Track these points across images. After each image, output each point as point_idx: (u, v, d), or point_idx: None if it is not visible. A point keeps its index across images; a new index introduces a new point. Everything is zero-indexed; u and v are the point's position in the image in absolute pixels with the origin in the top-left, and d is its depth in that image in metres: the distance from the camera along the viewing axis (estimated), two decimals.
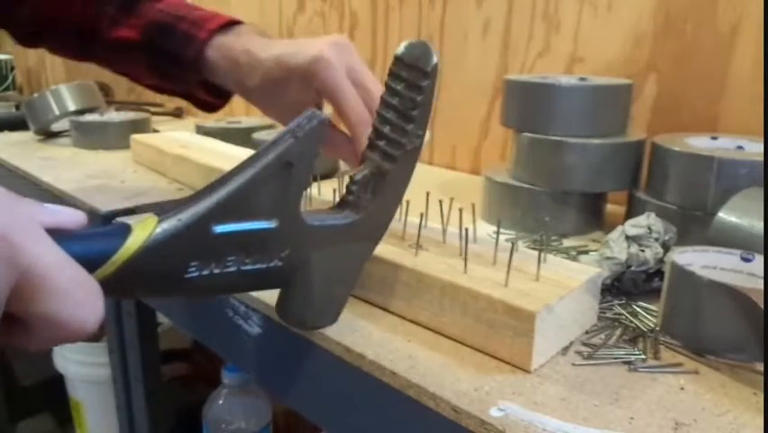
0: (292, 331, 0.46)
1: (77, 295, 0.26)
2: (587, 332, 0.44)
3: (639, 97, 0.76)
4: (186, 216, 0.31)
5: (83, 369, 1.14)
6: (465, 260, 0.43)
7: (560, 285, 0.41)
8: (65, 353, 1.15)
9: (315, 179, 0.61)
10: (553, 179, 0.64)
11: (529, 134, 0.65)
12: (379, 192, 0.40)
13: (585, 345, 0.42)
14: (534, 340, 0.38)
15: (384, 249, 0.47)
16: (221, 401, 1.00)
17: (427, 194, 0.52)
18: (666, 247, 0.50)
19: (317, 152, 0.35)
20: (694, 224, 0.55)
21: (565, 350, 0.42)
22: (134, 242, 0.29)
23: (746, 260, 0.44)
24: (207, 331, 0.61)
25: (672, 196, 0.58)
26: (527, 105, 0.66)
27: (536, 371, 0.39)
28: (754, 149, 0.60)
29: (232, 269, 0.33)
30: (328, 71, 0.52)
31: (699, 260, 0.44)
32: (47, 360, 1.19)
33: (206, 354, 0.78)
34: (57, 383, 1.24)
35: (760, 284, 0.42)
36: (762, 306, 0.37)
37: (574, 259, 0.54)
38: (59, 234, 0.26)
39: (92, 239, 0.29)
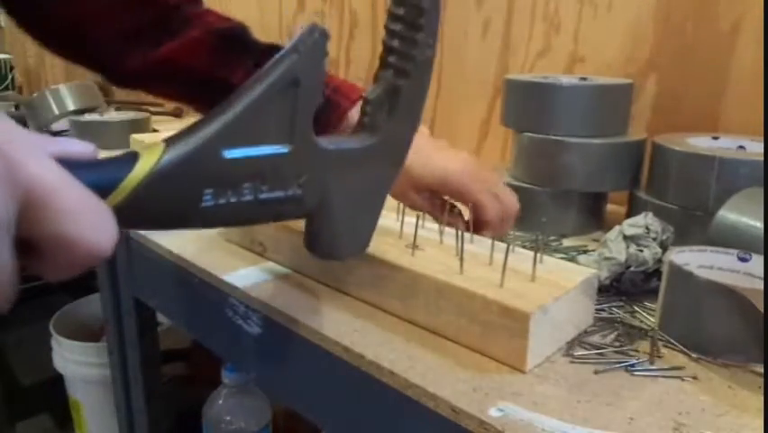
0: (292, 331, 0.46)
1: (86, 215, 0.25)
2: (586, 332, 0.44)
3: (640, 97, 0.75)
4: (194, 140, 0.30)
5: (82, 369, 1.14)
6: (461, 260, 0.43)
7: (555, 286, 0.41)
8: (65, 353, 1.15)
9: None
10: (554, 179, 0.64)
11: (529, 134, 0.65)
12: (394, 111, 0.38)
13: (584, 345, 0.42)
14: (529, 341, 0.38)
15: (381, 249, 0.47)
16: (221, 401, 1.00)
17: None
18: (664, 247, 0.50)
19: (323, 68, 0.33)
20: (695, 224, 0.55)
21: (564, 350, 0.42)
22: (142, 168, 0.28)
23: (743, 260, 0.44)
24: (207, 331, 0.60)
25: (672, 196, 0.58)
26: (528, 105, 0.66)
27: (536, 371, 0.39)
28: (756, 149, 0.59)
29: (249, 197, 0.32)
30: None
31: (696, 260, 0.44)
32: (46, 360, 1.19)
33: (206, 354, 0.78)
34: (56, 383, 1.24)
35: (757, 284, 0.42)
36: (759, 306, 0.37)
37: (573, 259, 0.54)
38: (65, 161, 0.26)
39: (99, 167, 0.28)
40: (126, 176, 0.28)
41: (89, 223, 0.25)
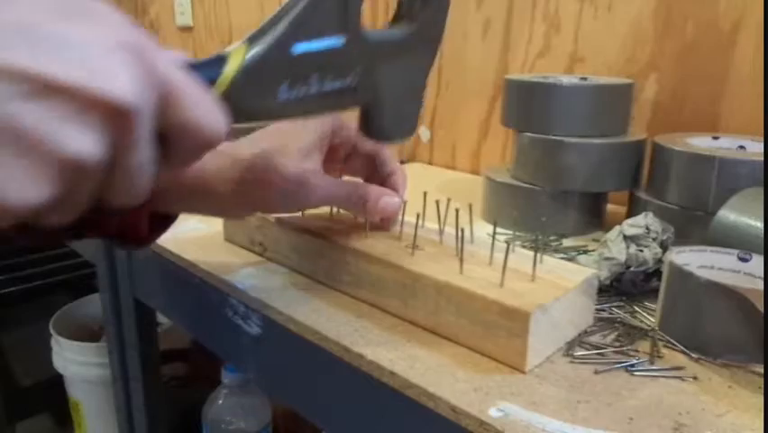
0: (292, 331, 0.46)
1: (206, 105, 0.29)
2: (585, 332, 0.44)
3: (640, 97, 0.76)
4: (268, 38, 0.34)
5: (82, 369, 1.14)
6: (461, 260, 0.43)
7: (555, 286, 0.41)
8: (65, 353, 1.15)
9: None
10: (554, 178, 0.64)
11: (530, 134, 0.65)
12: (428, 2, 0.41)
13: (584, 345, 0.42)
14: (529, 341, 0.38)
15: (380, 249, 0.47)
16: (221, 401, 1.00)
17: (425, 194, 0.52)
18: (664, 247, 0.50)
19: None
20: (695, 224, 0.55)
21: (564, 350, 0.42)
22: (231, 67, 0.32)
23: (744, 260, 0.44)
24: (207, 331, 0.60)
25: (672, 196, 0.58)
26: (528, 105, 0.66)
27: (536, 371, 0.39)
28: (756, 149, 0.59)
29: (314, 89, 0.36)
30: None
31: (696, 260, 0.44)
32: (46, 360, 1.19)
33: (206, 354, 0.78)
34: (56, 383, 1.24)
35: (757, 284, 0.42)
36: (759, 306, 0.37)
37: (573, 259, 0.54)
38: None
39: (199, 67, 0.31)
40: (221, 74, 0.32)
41: (209, 111, 0.29)
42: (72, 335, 1.16)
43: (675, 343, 0.42)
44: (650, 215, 0.52)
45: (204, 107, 0.28)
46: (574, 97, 0.63)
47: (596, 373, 0.39)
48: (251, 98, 0.33)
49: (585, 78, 0.67)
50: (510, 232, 0.59)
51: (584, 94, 0.64)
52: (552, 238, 0.63)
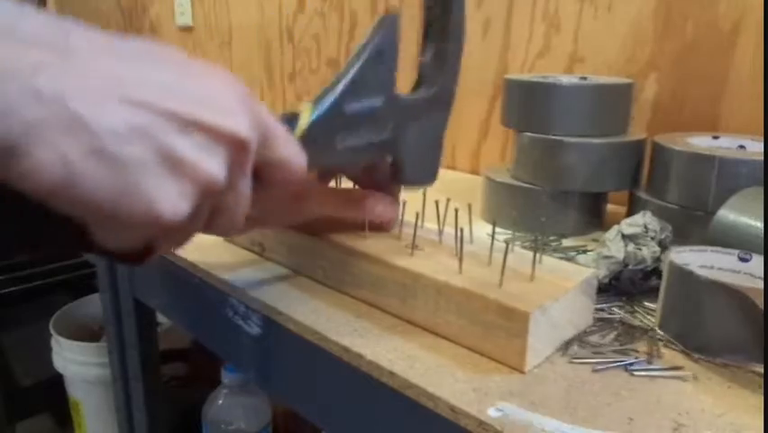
0: (292, 331, 0.46)
1: (294, 145, 0.36)
2: (585, 331, 0.44)
3: (640, 97, 0.76)
4: (328, 98, 0.42)
5: (82, 369, 1.14)
6: (460, 260, 0.43)
7: (555, 286, 0.41)
8: (65, 353, 1.15)
9: None
10: (554, 178, 0.64)
11: (529, 134, 0.65)
12: (443, 67, 0.49)
13: (583, 344, 0.42)
14: (528, 341, 0.38)
15: (380, 249, 0.47)
16: (221, 401, 1.00)
17: (424, 194, 0.52)
18: (663, 246, 0.50)
19: (398, 41, 0.45)
20: (695, 223, 0.55)
21: (563, 350, 0.42)
22: (303, 121, 0.40)
23: (744, 260, 0.44)
24: (207, 331, 0.60)
25: (673, 195, 0.58)
26: (528, 105, 0.66)
27: (535, 371, 0.39)
28: (756, 148, 0.59)
29: (362, 140, 0.44)
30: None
31: (697, 259, 0.44)
32: (46, 360, 1.19)
33: (206, 354, 0.78)
34: (56, 383, 1.24)
35: (757, 284, 0.42)
36: (761, 305, 0.37)
37: (571, 259, 0.54)
38: None
39: (282, 119, 0.38)
40: (297, 126, 0.40)
41: (296, 151, 0.36)
42: (72, 335, 1.16)
43: (675, 342, 0.42)
44: (648, 214, 0.52)
45: (292, 148, 0.36)
46: (574, 97, 0.63)
47: (595, 372, 0.39)
48: (317, 146, 0.40)
49: (585, 78, 0.67)
50: (510, 232, 0.59)
51: (584, 94, 0.64)
52: (551, 238, 0.63)
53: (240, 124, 0.30)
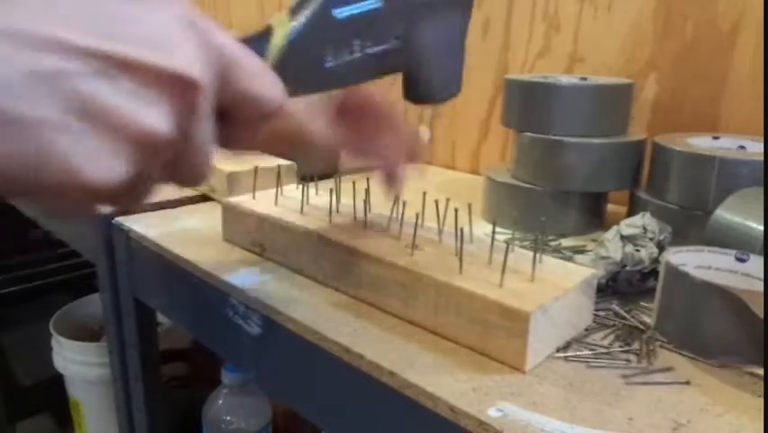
0: (292, 331, 0.46)
1: (265, 75, 0.30)
2: (586, 330, 0.44)
3: (640, 97, 0.75)
4: (311, 6, 0.34)
5: (82, 369, 1.14)
6: (461, 260, 0.43)
7: (555, 286, 0.41)
8: (65, 353, 1.15)
9: (312, 180, 0.61)
10: (554, 178, 0.64)
11: (530, 134, 0.65)
12: None
13: (583, 344, 0.42)
14: (529, 341, 0.38)
15: (380, 248, 0.47)
16: (221, 401, 1.00)
17: (424, 193, 0.52)
18: (661, 247, 0.50)
19: None
20: (695, 224, 0.55)
21: (563, 350, 0.42)
22: (278, 38, 0.33)
23: (741, 260, 0.44)
24: (207, 331, 0.60)
25: (673, 196, 0.58)
26: (528, 105, 0.66)
27: (535, 371, 0.39)
28: (756, 148, 0.59)
29: (358, 54, 0.37)
30: None
31: (693, 260, 0.44)
32: (47, 360, 1.19)
33: (206, 354, 0.78)
34: (56, 383, 1.24)
35: (754, 285, 0.42)
36: (754, 307, 0.37)
37: (570, 259, 0.54)
38: None
39: (249, 40, 0.32)
40: (269, 46, 0.33)
41: (268, 81, 0.30)
42: (72, 334, 1.16)
43: (672, 343, 0.42)
44: (647, 215, 0.52)
45: (262, 78, 0.29)
46: (574, 97, 0.63)
47: (595, 372, 0.39)
48: (299, 68, 0.34)
49: (585, 78, 0.67)
50: (510, 232, 0.59)
51: (584, 94, 0.64)
52: (551, 238, 0.63)
53: (184, 61, 0.25)
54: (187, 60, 0.25)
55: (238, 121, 0.30)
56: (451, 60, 0.43)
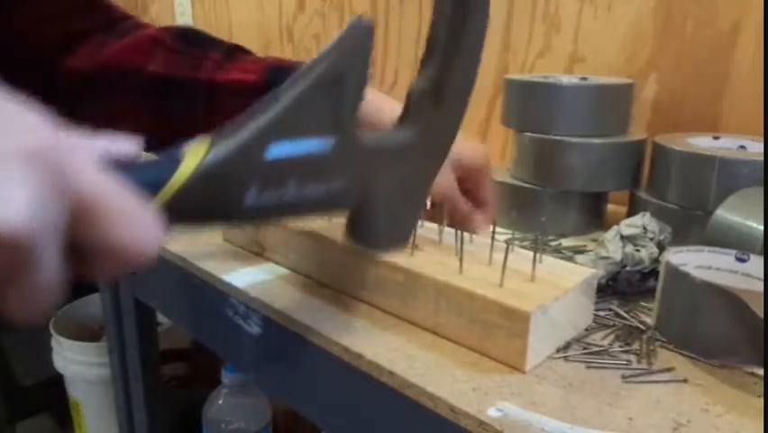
0: (292, 331, 0.46)
1: (133, 220, 0.25)
2: (586, 330, 0.44)
3: (640, 97, 0.75)
4: (237, 138, 0.30)
5: (82, 369, 1.14)
6: (461, 260, 0.43)
7: (555, 286, 0.41)
8: (65, 353, 1.15)
9: None
10: (554, 178, 0.64)
11: (529, 134, 0.65)
12: (440, 103, 0.37)
13: (583, 344, 0.42)
14: (529, 341, 0.38)
15: None
16: (221, 401, 1.00)
17: None
18: (661, 247, 0.50)
19: (367, 64, 0.33)
20: (695, 224, 0.55)
21: (563, 350, 0.42)
22: (187, 167, 0.28)
23: (741, 260, 0.44)
24: (207, 331, 0.60)
25: (673, 196, 0.58)
26: (528, 105, 0.66)
27: (535, 371, 0.39)
28: (757, 148, 0.59)
29: (292, 193, 0.32)
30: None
31: (694, 260, 0.44)
32: (47, 360, 1.19)
33: (206, 354, 0.78)
34: (56, 383, 1.24)
35: (754, 285, 0.42)
36: (754, 307, 0.37)
37: (570, 259, 0.54)
38: (110, 162, 0.25)
39: (144, 167, 0.28)
40: (171, 176, 0.28)
41: (136, 227, 0.25)
42: (72, 335, 1.16)
43: (673, 343, 0.42)
44: (647, 215, 0.52)
45: (131, 225, 0.24)
46: (574, 97, 0.63)
47: (595, 372, 0.39)
48: (208, 203, 0.29)
49: (585, 78, 0.67)
50: (510, 232, 0.59)
51: (584, 94, 0.64)
52: (551, 238, 0.63)
53: (9, 211, 0.20)
54: (14, 210, 0.20)
55: (95, 265, 0.25)
56: (404, 210, 0.39)
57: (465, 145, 0.52)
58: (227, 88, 0.53)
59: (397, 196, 0.38)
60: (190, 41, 0.55)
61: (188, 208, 0.28)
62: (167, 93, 0.53)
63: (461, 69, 0.37)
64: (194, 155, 0.28)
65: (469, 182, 0.54)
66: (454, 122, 0.39)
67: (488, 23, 0.38)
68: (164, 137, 0.52)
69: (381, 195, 0.37)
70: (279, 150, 0.31)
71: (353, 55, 0.33)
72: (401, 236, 0.41)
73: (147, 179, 0.27)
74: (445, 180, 0.51)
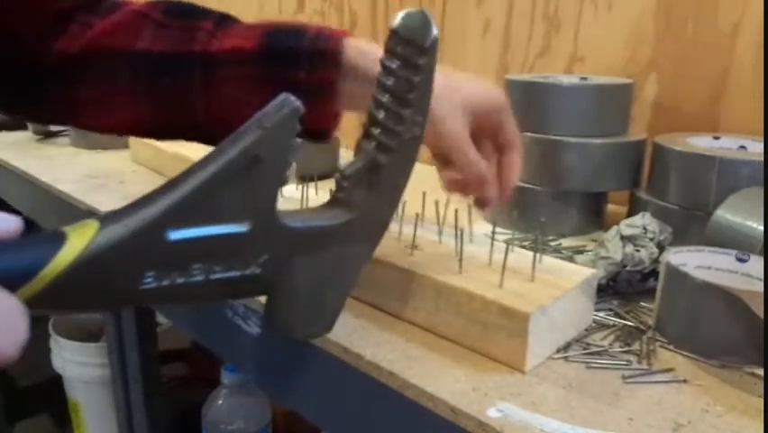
0: None
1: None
2: (586, 330, 0.44)
3: (640, 97, 0.75)
4: (133, 221, 0.27)
5: (81, 369, 1.14)
6: (460, 260, 0.43)
7: (555, 286, 0.41)
8: (64, 353, 1.15)
9: (312, 180, 0.61)
10: (554, 178, 0.64)
11: (530, 134, 0.65)
12: (374, 188, 0.36)
13: (583, 345, 0.42)
14: (528, 341, 0.38)
15: (380, 249, 0.47)
16: (220, 402, 1.00)
17: (424, 194, 0.52)
18: (661, 247, 0.50)
19: (291, 144, 0.30)
20: (695, 224, 0.54)
21: (563, 350, 0.41)
22: (69, 252, 0.26)
23: (741, 260, 0.44)
24: (207, 331, 0.60)
25: (673, 196, 0.58)
26: (528, 105, 0.66)
27: (535, 371, 0.39)
28: (756, 148, 0.59)
29: (199, 278, 0.30)
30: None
31: (693, 260, 0.44)
32: (45, 360, 1.19)
33: (206, 354, 0.78)
34: (55, 384, 1.24)
35: (754, 285, 0.42)
36: (754, 308, 0.37)
37: (570, 259, 0.54)
38: None
39: (18, 250, 0.25)
40: (49, 261, 0.25)
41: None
42: (72, 335, 1.16)
43: (673, 344, 0.42)
44: (647, 215, 0.52)
45: None
46: (574, 97, 0.63)
47: (595, 373, 0.39)
48: (95, 289, 0.27)
49: (585, 78, 0.67)
50: (510, 232, 0.59)
51: (584, 94, 0.64)
52: (551, 238, 0.63)
53: None
54: None
55: None
56: (327, 297, 0.37)
57: (476, 86, 0.48)
58: (224, 58, 0.50)
59: (321, 282, 0.36)
60: (178, 12, 0.52)
61: (69, 295, 0.26)
62: (160, 71, 0.51)
63: (398, 155, 0.36)
64: (78, 239, 0.26)
65: (488, 127, 0.49)
66: (387, 208, 0.38)
67: (427, 118, 0.37)
68: (163, 118, 0.52)
69: (302, 280, 0.35)
70: (181, 234, 0.29)
71: (274, 136, 0.30)
72: (322, 324, 0.39)
73: (19, 265, 0.25)
74: (452, 128, 0.46)
